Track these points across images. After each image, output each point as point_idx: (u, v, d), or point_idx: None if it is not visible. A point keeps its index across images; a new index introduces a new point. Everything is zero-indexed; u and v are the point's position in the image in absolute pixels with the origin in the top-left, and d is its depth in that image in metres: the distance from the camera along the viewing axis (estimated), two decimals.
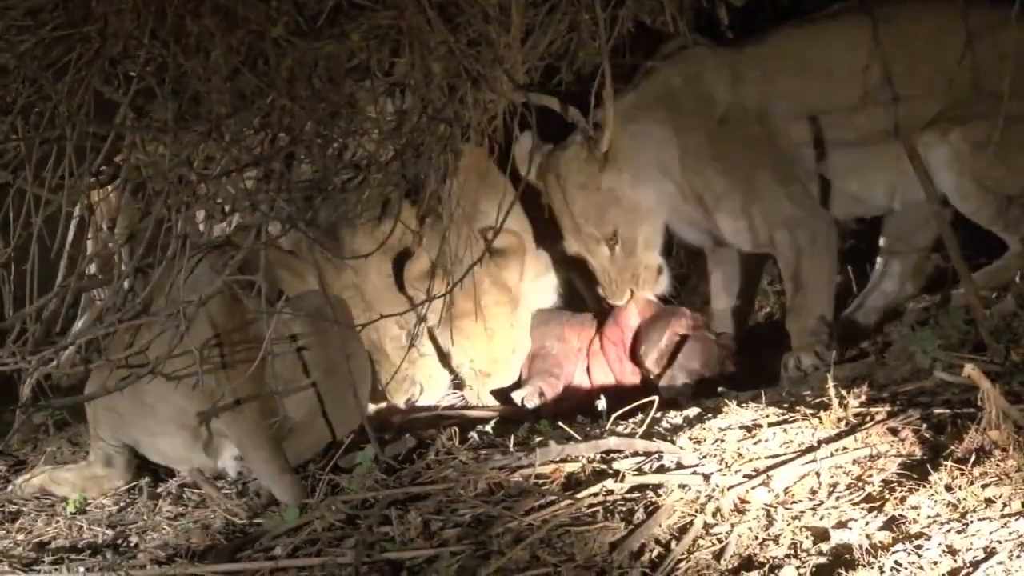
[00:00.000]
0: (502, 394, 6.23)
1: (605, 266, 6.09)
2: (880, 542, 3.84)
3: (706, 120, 5.97)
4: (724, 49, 6.08)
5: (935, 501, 3.98)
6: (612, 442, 4.85)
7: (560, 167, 6.03)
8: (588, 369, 6.30)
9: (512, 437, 5.19)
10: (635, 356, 6.12)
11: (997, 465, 4.07)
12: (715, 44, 6.12)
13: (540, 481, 4.67)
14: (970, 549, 3.71)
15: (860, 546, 3.83)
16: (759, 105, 5.93)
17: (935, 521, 3.89)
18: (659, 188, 6.04)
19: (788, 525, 4.05)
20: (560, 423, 5.21)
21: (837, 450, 4.41)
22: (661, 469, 4.58)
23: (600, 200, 6.01)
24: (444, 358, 6.30)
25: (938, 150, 5.65)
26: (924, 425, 4.45)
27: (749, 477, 4.35)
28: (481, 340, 6.16)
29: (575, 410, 5.63)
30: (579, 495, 4.46)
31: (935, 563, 3.69)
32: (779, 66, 5.93)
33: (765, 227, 5.91)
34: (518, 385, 6.22)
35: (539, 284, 6.44)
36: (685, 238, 6.30)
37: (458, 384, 6.35)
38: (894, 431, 4.46)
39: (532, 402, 6.03)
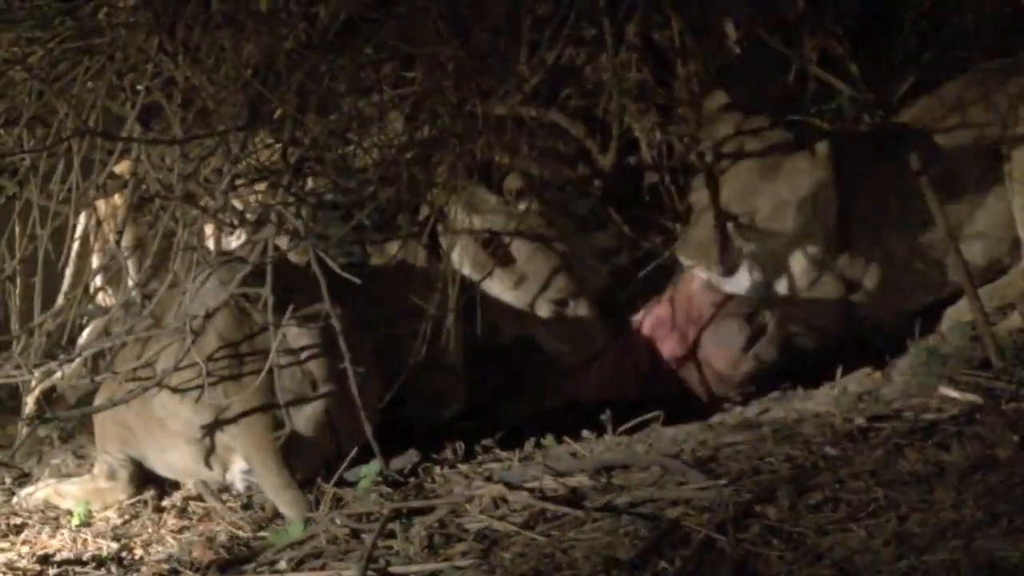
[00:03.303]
0: None
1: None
2: (883, 559, 3.83)
3: None
4: None
5: (939, 518, 3.98)
6: (617, 456, 4.86)
7: None
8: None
9: (517, 451, 5.21)
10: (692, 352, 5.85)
11: (1002, 482, 4.07)
12: None
13: (545, 495, 4.67)
14: (974, 566, 3.71)
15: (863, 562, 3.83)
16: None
17: (939, 537, 3.89)
18: None
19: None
20: (565, 437, 5.23)
21: (841, 466, 4.41)
22: (666, 484, 4.58)
23: None
24: None
25: None
26: (929, 442, 4.46)
27: (755, 493, 4.34)
28: None
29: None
30: (584, 509, 4.46)
31: None
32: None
33: None
34: None
35: None
36: None
37: None
38: (899, 447, 4.46)
39: None
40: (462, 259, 5.86)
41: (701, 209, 5.66)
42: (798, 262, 5.67)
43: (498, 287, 5.87)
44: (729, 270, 5.60)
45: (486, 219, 5.84)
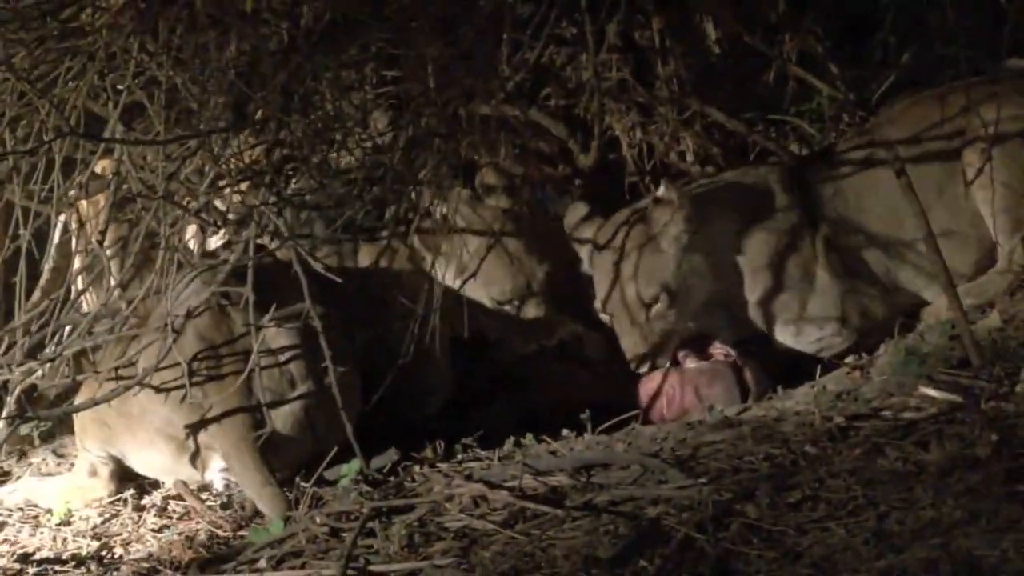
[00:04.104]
0: None
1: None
2: (863, 557, 3.84)
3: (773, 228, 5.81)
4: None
5: (919, 516, 3.99)
6: (596, 455, 4.87)
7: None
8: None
9: (496, 450, 5.22)
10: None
11: (981, 481, 4.08)
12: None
13: (525, 494, 4.68)
14: (953, 564, 3.72)
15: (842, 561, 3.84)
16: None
17: (918, 536, 3.90)
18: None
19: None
20: (544, 436, 5.24)
21: (821, 464, 4.42)
22: (646, 482, 4.59)
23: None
24: None
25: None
26: (908, 440, 4.47)
27: (735, 491, 4.35)
28: None
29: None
30: (564, 508, 4.47)
31: None
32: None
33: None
34: None
35: None
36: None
37: None
38: (878, 446, 4.47)
39: None
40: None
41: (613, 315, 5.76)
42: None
43: (443, 274, 5.89)
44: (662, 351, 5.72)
45: (449, 208, 5.85)
